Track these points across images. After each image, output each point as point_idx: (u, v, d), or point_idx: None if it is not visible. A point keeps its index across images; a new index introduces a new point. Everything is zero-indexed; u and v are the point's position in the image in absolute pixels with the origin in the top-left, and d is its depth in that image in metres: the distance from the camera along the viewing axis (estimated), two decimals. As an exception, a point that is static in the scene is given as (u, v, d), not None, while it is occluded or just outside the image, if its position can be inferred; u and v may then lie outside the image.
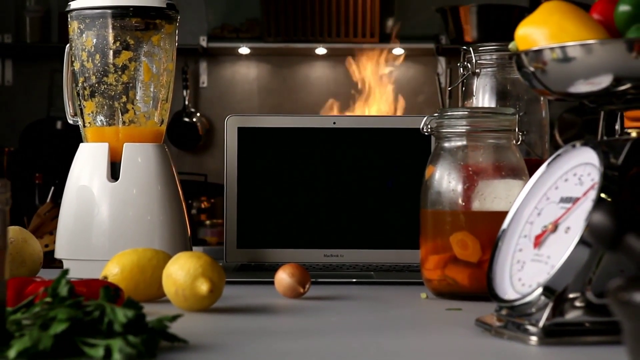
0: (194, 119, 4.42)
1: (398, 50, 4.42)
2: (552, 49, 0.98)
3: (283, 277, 1.26)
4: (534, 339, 0.94)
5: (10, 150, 4.01)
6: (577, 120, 4.26)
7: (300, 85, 4.51)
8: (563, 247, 0.95)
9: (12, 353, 0.83)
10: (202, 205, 4.11)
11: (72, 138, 4.39)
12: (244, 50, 4.41)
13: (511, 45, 1.05)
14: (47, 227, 2.78)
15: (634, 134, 0.99)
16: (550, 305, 0.94)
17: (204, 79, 4.49)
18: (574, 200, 0.98)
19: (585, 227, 0.84)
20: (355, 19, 4.31)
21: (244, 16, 4.44)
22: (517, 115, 1.29)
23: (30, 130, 4.28)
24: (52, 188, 3.01)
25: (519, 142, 1.30)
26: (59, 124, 4.29)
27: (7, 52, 4.38)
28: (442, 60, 4.41)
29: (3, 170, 3.90)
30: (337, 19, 4.31)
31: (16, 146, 4.18)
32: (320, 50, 4.40)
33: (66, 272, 0.94)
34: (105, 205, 1.45)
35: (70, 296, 0.91)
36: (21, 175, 3.89)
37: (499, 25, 4.13)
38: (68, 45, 1.51)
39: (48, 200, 2.97)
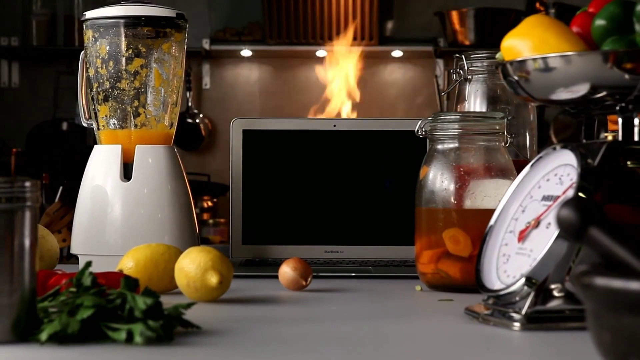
0: (197, 120, 4.50)
1: (397, 53, 4.51)
2: (534, 59, 1.07)
3: (286, 270, 1.34)
4: (517, 325, 1.03)
5: (17, 151, 4.09)
6: (573, 121, 4.34)
7: (301, 87, 4.59)
8: (544, 241, 1.03)
9: (43, 336, 0.92)
10: (205, 205, 4.19)
11: (77, 139, 4.46)
12: (246, 52, 4.49)
13: (497, 56, 1.14)
14: (55, 226, 2.86)
15: (609, 137, 1.08)
16: (532, 294, 1.03)
17: (206, 81, 4.57)
18: (554, 198, 1.07)
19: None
20: (355, 22, 4.40)
21: (246, 19, 4.52)
22: (506, 119, 1.37)
23: (36, 131, 4.36)
24: (61, 188, 3.09)
25: (507, 144, 1.38)
26: (64, 125, 4.37)
27: (14, 54, 4.47)
28: (440, 63, 4.49)
29: (11, 170, 3.98)
30: (337, 22, 4.39)
31: (23, 147, 4.27)
32: (321, 53, 4.48)
33: (89, 264, 1.02)
34: (118, 203, 1.53)
35: (94, 286, 1.00)
36: (28, 175, 3.96)
37: (496, 28, 4.21)
38: (83, 52, 1.60)
39: (57, 199, 3.05)
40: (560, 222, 0.70)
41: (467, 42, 4.29)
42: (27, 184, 0.95)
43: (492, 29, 4.23)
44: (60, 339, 0.92)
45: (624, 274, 0.64)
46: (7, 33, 4.40)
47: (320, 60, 4.56)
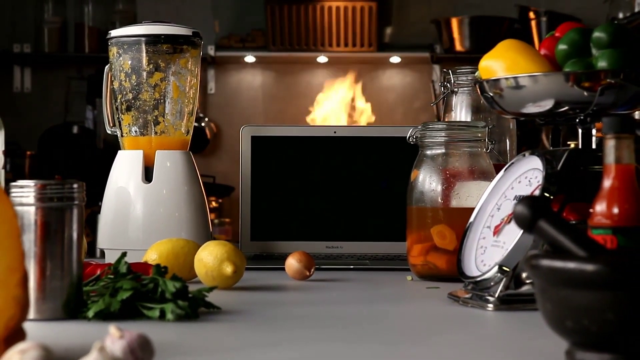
0: (203, 124, 4.67)
1: (395, 59, 4.67)
2: (507, 78, 1.24)
3: (292, 262, 1.51)
4: (490, 306, 1.20)
5: (31, 154, 4.25)
6: (563, 128, 4.49)
7: (302, 92, 4.75)
8: (514, 234, 1.20)
9: (90, 314, 1.09)
10: (211, 205, 4.35)
11: (87, 142, 4.60)
12: (250, 58, 4.64)
13: (476, 74, 1.31)
14: (71, 225, 3.01)
15: (572, 145, 1.25)
16: (504, 280, 1.20)
17: (211, 86, 4.73)
18: (524, 198, 1.24)
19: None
20: (354, 29, 4.55)
21: (249, 26, 4.68)
22: (487, 128, 1.53)
23: (48, 134, 4.50)
24: (77, 189, 3.24)
25: (488, 150, 1.54)
26: (75, 129, 4.52)
27: (27, 61, 4.63)
28: (436, 69, 4.65)
29: (25, 172, 4.14)
30: (337, 29, 4.54)
31: (35, 150, 4.42)
32: (322, 59, 4.64)
33: (125, 254, 1.19)
34: (140, 203, 1.69)
35: (129, 272, 1.17)
36: (41, 177, 4.12)
37: (490, 35, 4.36)
38: (107, 66, 1.77)
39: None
40: (516, 216, 0.87)
41: (462, 49, 4.44)
42: (75, 185, 1.12)
43: (486, 36, 4.39)
44: (104, 316, 1.09)
45: (564, 257, 0.81)
46: (20, 40, 4.56)
47: (321, 66, 4.72)
